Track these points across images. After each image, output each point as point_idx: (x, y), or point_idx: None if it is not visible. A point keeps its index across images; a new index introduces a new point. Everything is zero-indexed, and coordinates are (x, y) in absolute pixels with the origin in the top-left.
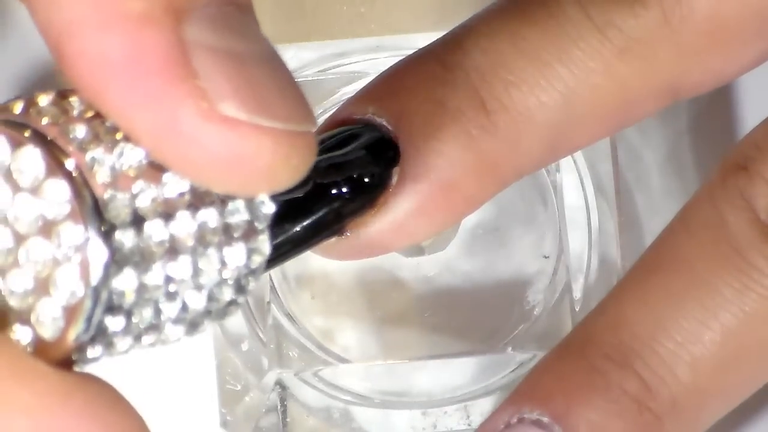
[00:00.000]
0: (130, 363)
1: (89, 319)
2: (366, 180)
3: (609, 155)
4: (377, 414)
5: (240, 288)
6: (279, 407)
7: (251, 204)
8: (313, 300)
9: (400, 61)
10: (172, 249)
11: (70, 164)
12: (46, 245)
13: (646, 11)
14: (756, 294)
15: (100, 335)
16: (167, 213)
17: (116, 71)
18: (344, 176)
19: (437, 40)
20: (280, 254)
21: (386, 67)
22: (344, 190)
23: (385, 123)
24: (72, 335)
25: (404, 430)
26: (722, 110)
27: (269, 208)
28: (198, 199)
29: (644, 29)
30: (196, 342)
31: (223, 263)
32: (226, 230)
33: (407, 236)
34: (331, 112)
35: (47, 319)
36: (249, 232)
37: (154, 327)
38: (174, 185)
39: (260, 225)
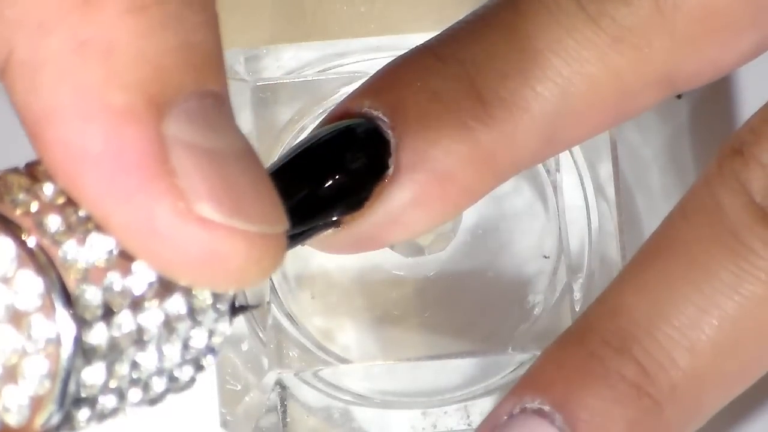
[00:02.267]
0: None
1: (57, 410)
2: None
3: (609, 155)
4: (377, 414)
5: (199, 366)
6: (279, 407)
7: None
8: (313, 300)
9: (396, 58)
10: (140, 339)
11: (42, 257)
12: (15, 335)
13: (638, 0)
14: (753, 277)
15: (66, 422)
16: (136, 303)
17: (94, 165)
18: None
19: (433, 37)
20: None
21: None
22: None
23: (380, 115)
24: (38, 423)
25: (404, 430)
26: (722, 110)
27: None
28: (165, 287)
29: (637, 18)
30: None
31: (186, 346)
32: (191, 314)
33: (403, 228)
34: None
35: (13, 407)
36: (212, 314)
37: (117, 410)
38: (143, 275)
39: (222, 306)
